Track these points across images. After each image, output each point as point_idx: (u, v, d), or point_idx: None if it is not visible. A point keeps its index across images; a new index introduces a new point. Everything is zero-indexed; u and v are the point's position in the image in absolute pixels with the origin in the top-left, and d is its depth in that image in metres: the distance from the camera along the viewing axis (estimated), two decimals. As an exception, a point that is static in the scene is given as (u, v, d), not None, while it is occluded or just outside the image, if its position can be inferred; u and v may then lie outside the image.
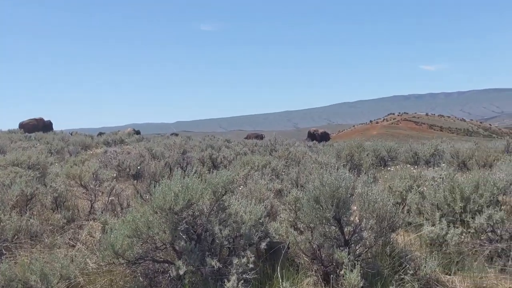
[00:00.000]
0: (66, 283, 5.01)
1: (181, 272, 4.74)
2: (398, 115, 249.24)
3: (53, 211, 7.73)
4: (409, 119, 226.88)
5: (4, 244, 5.97)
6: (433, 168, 11.67)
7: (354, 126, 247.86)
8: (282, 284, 4.91)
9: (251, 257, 4.89)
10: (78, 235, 6.76)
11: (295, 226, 6.25)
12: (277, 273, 5.15)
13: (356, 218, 5.56)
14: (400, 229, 5.98)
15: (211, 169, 12.39)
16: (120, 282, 5.23)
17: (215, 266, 4.82)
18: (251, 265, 4.86)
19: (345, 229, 5.40)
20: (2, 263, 4.94)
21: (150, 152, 15.01)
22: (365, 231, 5.42)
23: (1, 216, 6.23)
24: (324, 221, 5.37)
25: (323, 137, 74.06)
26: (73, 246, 6.26)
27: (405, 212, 6.95)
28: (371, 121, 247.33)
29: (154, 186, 5.23)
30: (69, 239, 6.58)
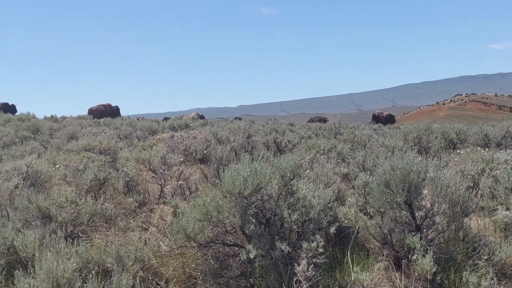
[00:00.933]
0: (140, 265, 5.16)
1: (251, 256, 4.78)
2: (466, 96, 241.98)
3: (125, 195, 7.92)
4: (477, 100, 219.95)
5: (80, 228, 6.16)
6: (505, 150, 11.27)
7: (419, 108, 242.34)
8: (352, 269, 4.90)
9: (320, 242, 4.88)
10: (150, 218, 6.91)
11: (365, 211, 6.19)
12: (347, 257, 5.14)
13: (428, 202, 5.46)
14: (473, 213, 5.84)
15: (276, 153, 12.39)
16: (192, 265, 5.35)
17: (284, 250, 4.84)
18: (320, 250, 4.85)
19: (417, 214, 5.32)
20: (79, 245, 5.09)
21: (216, 136, 15.11)
22: (437, 216, 5.32)
23: (77, 200, 6.37)
24: (394, 205, 5.30)
25: (388, 119, 72.73)
26: (146, 229, 6.42)
27: (478, 196, 6.77)
28: (437, 103, 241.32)
29: (223, 171, 5.26)
30: (142, 222, 6.74)
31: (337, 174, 8.18)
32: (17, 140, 16.10)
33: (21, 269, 4.43)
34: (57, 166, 9.53)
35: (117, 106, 51.83)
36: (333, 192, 5.96)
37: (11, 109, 43.99)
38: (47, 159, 10.36)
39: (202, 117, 40.73)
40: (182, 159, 10.05)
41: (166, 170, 8.78)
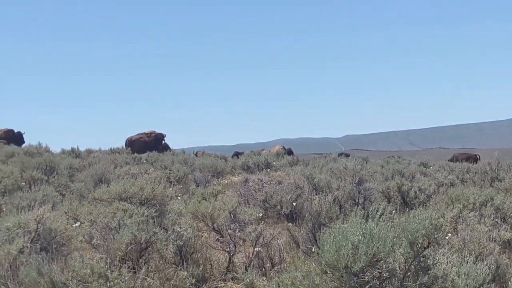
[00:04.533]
0: None
1: None
2: None
3: (177, 266, 6.80)
4: None
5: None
6: None
7: None
8: None
9: None
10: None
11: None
12: None
13: None
14: None
15: (402, 208, 10.66)
16: None
17: None
18: None
19: None
20: None
21: (311, 181, 12.68)
22: None
23: (108, 272, 5.35)
24: None
25: None
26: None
27: None
28: None
29: (322, 233, 4.80)
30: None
31: (495, 240, 6.92)
32: (23, 183, 13.85)
33: None
34: (79, 222, 8.33)
35: (162, 134, 40.40)
36: (489, 268, 5.33)
37: (16, 138, 35.95)
38: (65, 212, 8.97)
39: (290, 152, 34.60)
40: (260, 215, 8.67)
41: (237, 231, 7.61)
